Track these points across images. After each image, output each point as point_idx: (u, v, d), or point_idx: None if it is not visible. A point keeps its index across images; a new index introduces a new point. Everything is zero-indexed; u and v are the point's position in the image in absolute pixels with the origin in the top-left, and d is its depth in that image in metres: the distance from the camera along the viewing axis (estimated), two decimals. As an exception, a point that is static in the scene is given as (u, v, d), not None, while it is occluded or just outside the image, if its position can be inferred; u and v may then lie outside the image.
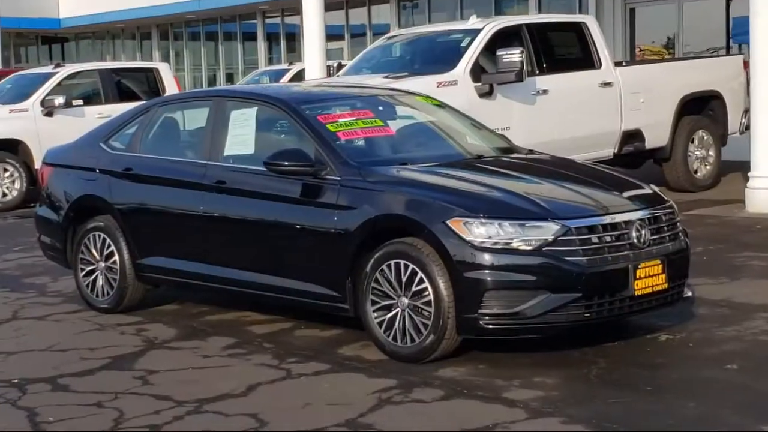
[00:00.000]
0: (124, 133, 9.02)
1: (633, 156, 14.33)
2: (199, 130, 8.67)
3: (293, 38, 35.89)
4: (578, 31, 13.89)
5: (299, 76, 24.71)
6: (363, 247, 7.12)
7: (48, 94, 17.36)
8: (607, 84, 13.73)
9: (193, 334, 8.14)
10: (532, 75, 12.82)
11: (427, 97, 8.99)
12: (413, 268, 6.81)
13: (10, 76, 19.29)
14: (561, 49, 14.01)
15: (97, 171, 8.90)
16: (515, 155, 8.17)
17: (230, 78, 39.21)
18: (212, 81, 40.11)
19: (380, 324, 7.04)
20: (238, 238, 7.90)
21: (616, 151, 13.85)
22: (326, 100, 8.36)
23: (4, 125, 16.91)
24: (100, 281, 8.93)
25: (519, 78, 12.19)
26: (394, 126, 8.14)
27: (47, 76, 18.02)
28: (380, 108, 8.26)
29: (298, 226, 7.46)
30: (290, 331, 8.08)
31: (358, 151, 7.66)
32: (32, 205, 16.79)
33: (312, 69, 18.51)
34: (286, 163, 7.42)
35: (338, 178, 7.28)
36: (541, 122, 12.95)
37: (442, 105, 8.77)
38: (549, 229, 6.57)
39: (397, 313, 6.96)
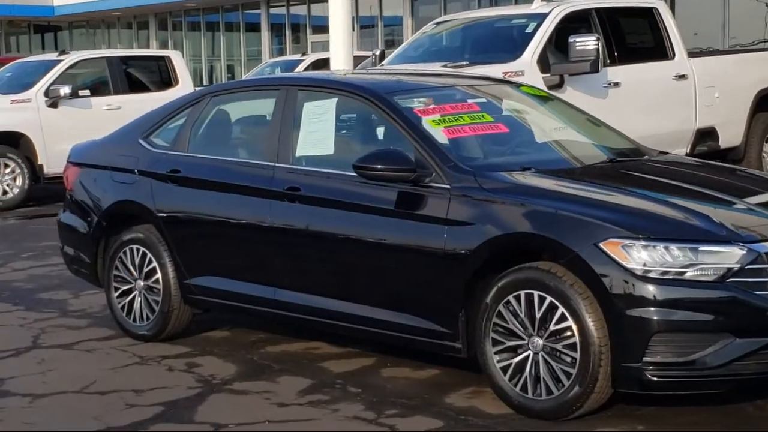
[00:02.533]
0: (169, 127, 7.60)
1: (704, 157, 12.88)
2: (263, 125, 7.25)
3: (298, 29, 34.45)
4: (649, 17, 12.57)
5: (312, 68, 23.32)
6: (482, 273, 5.74)
7: (52, 84, 15.93)
8: (681, 77, 12.40)
9: (256, 371, 6.73)
10: (603, 65, 11.42)
11: (533, 87, 7.56)
12: (551, 302, 5.42)
13: (10, 64, 17.83)
14: (632, 37, 12.67)
15: (137, 172, 7.46)
16: (651, 158, 6.74)
17: (231, 70, 37.74)
18: (211, 73, 38.69)
19: (504, 369, 5.64)
20: (315, 257, 6.49)
21: (688, 151, 12.50)
22: (420, 90, 6.93)
23: (5, 117, 15.47)
24: (138, 303, 7.51)
25: (594, 68, 10.84)
26: (503, 122, 6.69)
27: (51, 64, 16.56)
28: (483, 101, 6.83)
29: (394, 245, 6.08)
30: (374, 369, 6.68)
31: (470, 153, 6.25)
32: (31, 204, 15.47)
33: (337, 59, 16.99)
34: (380, 166, 6.02)
35: (447, 186, 5.88)
36: (612, 119, 11.47)
37: (550, 97, 7.35)
38: (733, 255, 5.17)
39: (527, 356, 5.58)
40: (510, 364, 5.67)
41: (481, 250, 5.71)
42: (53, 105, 15.78)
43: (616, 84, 11.72)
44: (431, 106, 6.49)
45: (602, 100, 11.54)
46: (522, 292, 5.56)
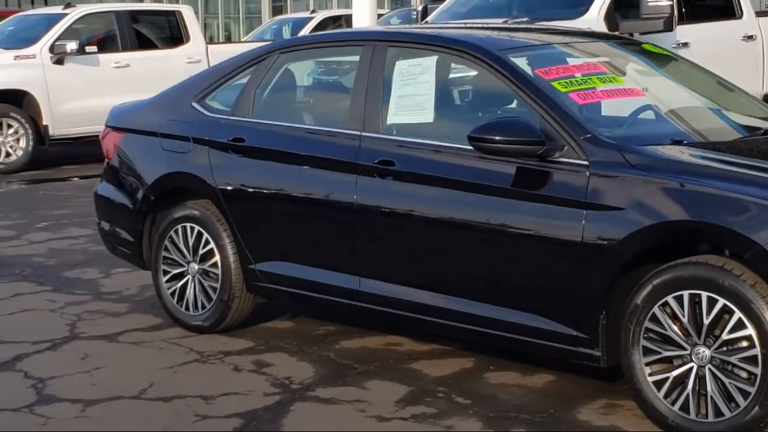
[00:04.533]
0: (227, 89, 6.61)
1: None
2: (344, 87, 6.28)
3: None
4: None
5: (322, 27, 22.29)
6: (630, 268, 4.75)
7: (58, 39, 14.78)
8: (750, 37, 11.42)
9: (338, 373, 5.80)
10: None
11: (656, 46, 6.58)
12: (724, 305, 4.49)
13: (11, 17, 16.69)
14: (699, -8, 11.69)
15: (191, 140, 6.47)
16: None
17: (227, 28, 36.56)
18: (205, 32, 37.46)
19: (658, 384, 4.73)
20: (411, 243, 5.55)
21: (751, 121, 11.46)
22: (533, 47, 5.92)
23: (8, 74, 14.42)
24: (191, 289, 6.53)
25: (668, 26, 9.93)
26: (635, 85, 5.72)
27: (56, 18, 15.48)
28: (606, 60, 5.85)
29: (515, 232, 5.11)
30: (476, 373, 5.76)
31: (610, 123, 5.26)
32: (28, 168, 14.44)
33: (361, 17, 15.86)
34: (501, 138, 5.04)
35: (584, 162, 4.93)
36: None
37: (675, 57, 6.36)
38: None
39: (689, 369, 4.66)
40: (666, 378, 4.75)
41: (632, 240, 4.77)
42: (59, 62, 14.74)
43: (685, 44, 10.77)
44: (554, 67, 5.49)
45: (671, 62, 10.53)
46: (685, 293, 4.63)
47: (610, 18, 10.24)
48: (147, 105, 7.04)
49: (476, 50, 5.59)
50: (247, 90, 6.47)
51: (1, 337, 6.64)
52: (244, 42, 21.22)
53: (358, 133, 5.81)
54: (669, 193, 4.73)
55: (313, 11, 23.81)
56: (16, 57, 14.61)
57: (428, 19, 11.65)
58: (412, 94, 5.71)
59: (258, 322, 6.75)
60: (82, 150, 15.53)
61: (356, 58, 6.10)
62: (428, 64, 5.72)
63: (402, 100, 5.74)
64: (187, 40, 15.99)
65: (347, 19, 22.39)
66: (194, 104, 6.65)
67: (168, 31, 16.57)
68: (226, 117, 6.48)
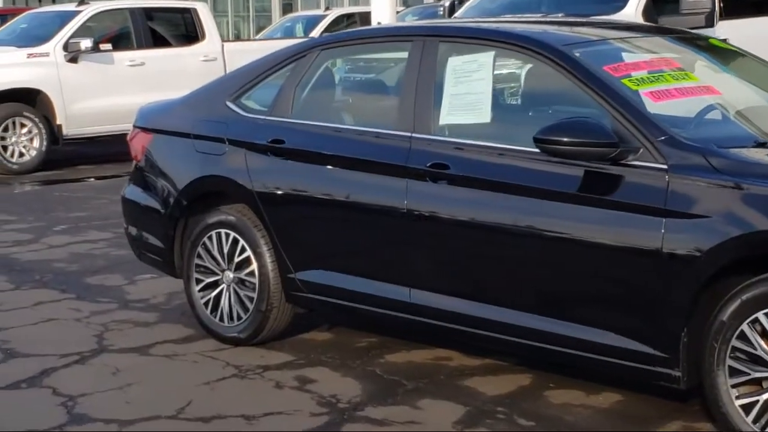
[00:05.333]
0: (264, 87, 6.18)
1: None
2: (392, 86, 5.90)
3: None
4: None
5: (336, 24, 21.92)
6: (716, 282, 4.37)
7: (72, 37, 14.38)
8: (787, 34, 10.93)
9: (387, 391, 5.44)
10: (717, 19, 10.12)
11: (722, 41, 6.20)
12: (821, 323, 4.05)
13: (24, 14, 16.29)
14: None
15: (226, 142, 6.09)
16: None
17: (237, 26, 36.19)
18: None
19: (746, 408, 4.40)
20: (468, 252, 5.19)
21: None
22: (597, 42, 5.55)
23: (21, 72, 14.04)
24: (226, 299, 6.14)
25: (709, 22, 9.49)
26: (709, 82, 5.34)
27: (69, 16, 15.09)
28: (675, 56, 5.46)
29: (583, 240, 4.74)
30: (536, 391, 5.40)
31: (678, 124, 4.87)
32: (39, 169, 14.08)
33: (381, 14, 15.51)
34: (570, 140, 4.66)
35: (663, 166, 4.55)
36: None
37: (743, 53, 5.96)
38: None
39: (780, 393, 4.21)
40: (755, 402, 4.39)
41: (719, 251, 4.40)
42: (73, 60, 14.35)
43: (723, 41, 10.31)
44: (623, 63, 5.11)
45: (709, 61, 10.13)
46: (784, 311, 4.22)
47: (648, 14, 9.86)
48: (178, 105, 6.67)
49: (539, 45, 5.21)
50: (286, 89, 6.10)
51: (25, 350, 6.26)
52: (258, 40, 20.83)
53: (408, 134, 5.44)
54: (760, 200, 4.34)
55: (327, 8, 23.34)
56: (30, 55, 14.25)
57: (456, 15, 11.25)
58: (467, 92, 5.34)
59: (295, 334, 6.39)
60: (95, 150, 15.20)
61: (404, 54, 5.72)
62: (484, 60, 5.34)
63: (456, 99, 5.36)
64: (203, 37, 15.63)
65: (361, 17, 22.04)
66: (229, 104, 6.28)
67: (183, 29, 16.21)
68: (263, 117, 6.11)
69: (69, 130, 14.23)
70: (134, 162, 6.81)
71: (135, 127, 6.82)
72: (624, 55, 5.35)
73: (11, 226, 10.10)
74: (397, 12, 15.09)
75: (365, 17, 21.77)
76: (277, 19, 31.95)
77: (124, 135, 14.89)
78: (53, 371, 5.90)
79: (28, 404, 5.45)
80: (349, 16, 22.77)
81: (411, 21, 11.14)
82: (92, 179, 13.34)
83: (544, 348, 5.04)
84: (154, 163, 6.61)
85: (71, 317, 6.95)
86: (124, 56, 14.84)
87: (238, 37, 36.21)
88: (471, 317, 5.24)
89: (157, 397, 5.46)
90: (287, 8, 33.49)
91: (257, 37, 25.52)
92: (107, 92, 14.47)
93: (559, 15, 9.76)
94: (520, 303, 5.07)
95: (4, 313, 7.06)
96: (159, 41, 15.65)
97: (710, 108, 5.13)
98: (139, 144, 6.69)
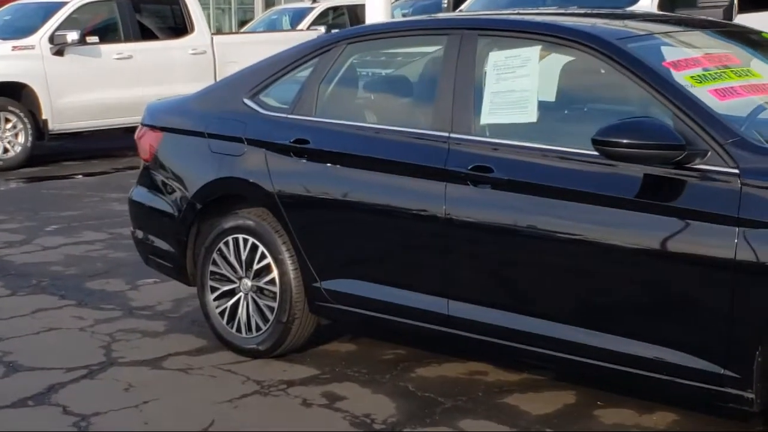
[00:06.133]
0: (285, 83, 5.82)
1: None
2: (426, 82, 5.52)
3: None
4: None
5: (323, 17, 21.52)
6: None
7: (58, 29, 13.94)
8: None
9: (424, 409, 5.09)
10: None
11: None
12: None
13: (7, 6, 15.81)
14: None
15: (245, 141, 5.69)
16: None
17: (218, 19, 35.66)
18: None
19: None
20: (514, 261, 4.84)
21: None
22: (653, 37, 5.18)
23: (6, 66, 13.63)
24: (243, 308, 5.75)
25: (728, 16, 9.16)
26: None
27: (55, 7, 14.65)
28: (731, 52, 5.12)
29: (644, 250, 4.34)
30: (583, 410, 5.09)
31: (759, 124, 4.50)
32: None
33: (375, 8, 15.04)
34: (628, 141, 4.30)
35: (735, 171, 4.20)
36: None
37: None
38: None
39: None
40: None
41: (800, 266, 4.01)
42: (59, 53, 13.93)
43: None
44: (683, 58, 4.75)
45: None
46: None
47: (664, 7, 9.51)
48: (190, 102, 6.27)
49: (591, 39, 4.85)
50: (309, 85, 5.72)
51: (29, 363, 5.87)
52: (249, 33, 20.40)
53: (446, 134, 5.07)
54: None
55: (315, 1, 22.89)
56: (14, 48, 13.82)
57: (462, 8, 10.88)
58: (510, 90, 4.97)
59: (316, 345, 6.01)
60: (80, 145, 14.76)
61: (439, 49, 5.35)
62: (529, 55, 4.97)
63: (498, 97, 5.00)
64: (192, 30, 15.24)
65: (350, 10, 21.63)
66: (246, 101, 5.89)
67: (171, 21, 15.82)
68: (285, 116, 5.73)
69: (55, 125, 13.83)
70: (143, 162, 6.38)
71: (143, 125, 6.41)
72: (678, 50, 4.98)
73: (1, 226, 9.69)
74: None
75: (354, 10, 21.39)
76: (260, 12, 31.52)
77: (112, 130, 14.66)
78: (61, 387, 5.52)
79: (37, 424, 5.07)
80: (336, 9, 22.34)
81: (445, 13, 10.69)
82: (80, 176, 12.91)
83: (597, 365, 4.69)
84: (165, 163, 6.23)
85: (74, 326, 6.56)
86: (111, 49, 14.45)
87: (219, 31, 35.74)
88: (515, 331, 4.89)
89: (176, 417, 5.08)
90: (270, 2, 33.00)
91: (243, 30, 25.03)
92: (94, 86, 14.09)
93: (573, 7, 9.37)
94: (570, 317, 4.72)
95: (2, 322, 6.68)
96: (147, 34, 15.23)
97: (753, 107, 4.75)
98: (147, 143, 6.30)
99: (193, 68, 14.84)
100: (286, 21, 22.51)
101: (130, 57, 14.43)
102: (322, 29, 17.23)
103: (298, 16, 22.27)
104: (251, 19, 28.81)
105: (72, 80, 13.91)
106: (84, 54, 14.11)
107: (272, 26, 22.43)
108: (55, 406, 5.26)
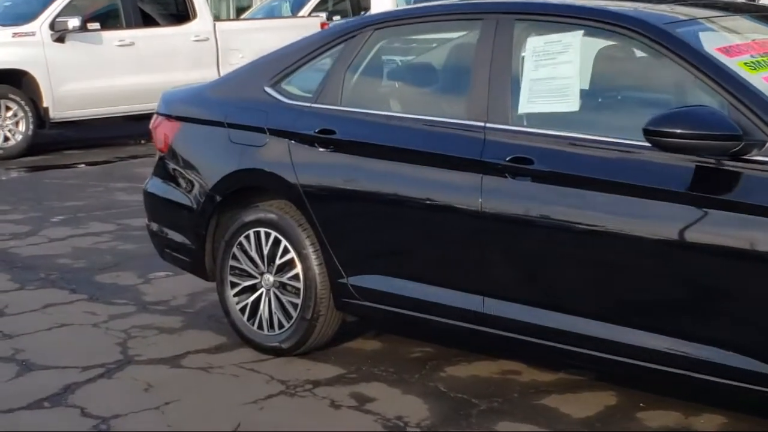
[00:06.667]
0: (308, 71, 5.55)
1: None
2: (459, 70, 5.29)
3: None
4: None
5: (324, 3, 21.24)
6: None
7: (58, 15, 13.66)
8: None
9: (458, 411, 4.91)
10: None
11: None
12: None
13: (8, -8, 15.50)
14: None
15: (267, 132, 5.44)
16: None
17: (216, 6, 35.25)
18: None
19: None
20: (556, 257, 4.58)
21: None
22: (698, 22, 4.94)
23: (6, 53, 13.36)
24: (265, 305, 5.53)
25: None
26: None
27: (55, -7, 14.29)
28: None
29: (699, 245, 4.15)
30: (626, 412, 4.89)
31: None
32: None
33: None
34: (682, 131, 4.10)
35: None
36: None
37: None
38: None
39: None
40: None
41: None
42: (60, 39, 13.65)
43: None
44: (735, 44, 4.52)
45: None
46: None
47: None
48: (208, 90, 6.05)
49: (638, 24, 4.63)
50: (335, 73, 5.49)
51: (42, 361, 5.65)
52: (252, 19, 20.13)
53: (482, 124, 4.84)
54: None
55: (316, -14, 22.53)
56: (15, 34, 13.56)
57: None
58: (551, 77, 4.74)
59: (339, 342, 5.78)
60: (81, 133, 14.51)
61: (473, 34, 5.12)
62: (571, 40, 4.74)
63: (537, 85, 4.77)
64: (194, 16, 14.99)
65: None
66: (268, 90, 5.67)
67: (173, 7, 15.57)
68: (309, 105, 5.50)
69: (56, 112, 13.58)
70: (159, 153, 6.15)
71: (159, 114, 6.18)
72: (725, 36, 4.75)
73: (4, 217, 9.45)
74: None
75: (354, -5, 21.11)
76: (258, -2, 31.16)
77: (113, 118, 14.41)
78: (77, 387, 5.29)
79: (55, 427, 4.82)
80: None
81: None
82: (83, 165, 12.68)
83: (646, 367, 4.49)
84: (182, 154, 6.00)
85: (87, 322, 6.32)
86: (112, 36, 14.19)
87: (218, 18, 35.41)
88: (556, 331, 4.68)
89: (200, 419, 4.87)
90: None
91: (243, 16, 24.74)
92: (96, 73, 13.84)
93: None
94: (616, 316, 4.51)
95: (12, 318, 6.43)
96: (148, 20, 14.99)
97: None
98: (165, 133, 6.07)
99: (196, 55, 14.61)
100: (286, 8, 22.19)
101: (131, 44, 14.19)
102: (323, 16, 16.99)
103: (298, 3, 21.93)
104: (249, 6, 28.49)
105: (73, 67, 13.67)
106: (85, 41, 13.87)
107: (272, 13, 22.12)
108: (72, 407, 5.04)
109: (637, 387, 5.00)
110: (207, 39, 14.76)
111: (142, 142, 14.23)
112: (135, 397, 5.15)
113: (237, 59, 14.84)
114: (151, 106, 14.33)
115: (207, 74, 14.28)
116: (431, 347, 5.73)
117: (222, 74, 14.56)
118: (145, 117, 14.47)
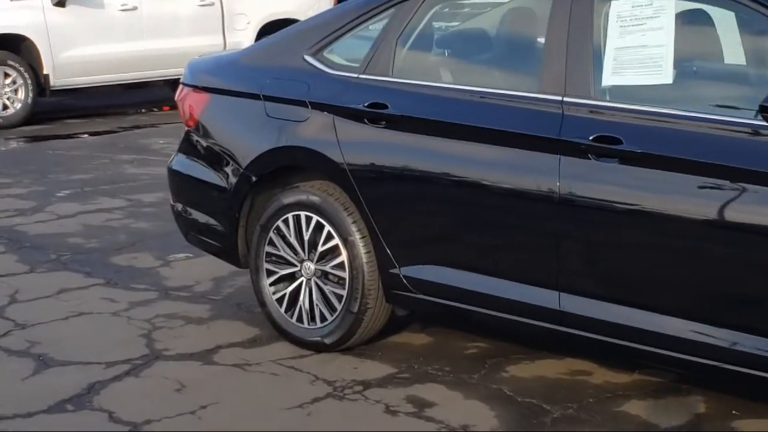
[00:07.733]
0: (354, 38, 5.00)
1: None
2: (529, 38, 4.72)
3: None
4: None
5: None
6: None
7: (59, -21, 13.09)
8: None
9: (529, 419, 4.45)
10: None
11: None
12: None
13: (5, -47, 14.84)
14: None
15: (308, 105, 4.90)
16: None
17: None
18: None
19: None
20: (650, 249, 4.05)
21: None
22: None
23: (5, 17, 12.86)
24: (306, 296, 5.00)
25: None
26: None
27: (56, -45, 13.71)
28: None
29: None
30: (720, 421, 4.44)
31: None
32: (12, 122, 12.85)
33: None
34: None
35: None
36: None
37: None
38: None
39: None
40: None
41: None
42: (60, 4, 13.10)
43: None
44: None
45: None
46: None
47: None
48: (241, 59, 5.50)
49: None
50: (385, 41, 4.95)
51: (61, 356, 5.14)
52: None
53: (559, 98, 4.31)
54: None
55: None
56: (14, -2, 12.94)
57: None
58: (639, 45, 4.21)
59: (385, 336, 5.25)
60: (81, 101, 13.94)
61: (546, -1, 4.55)
62: (663, 3, 4.18)
63: (623, 54, 4.24)
64: (201, -18, 14.36)
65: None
66: (308, 58, 5.12)
67: (181, -30, 14.91)
68: (356, 75, 4.95)
69: (57, 80, 13.05)
70: (186, 128, 5.60)
71: (184, 85, 5.63)
72: None
73: (7, 191, 8.91)
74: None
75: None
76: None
77: (116, 86, 13.84)
78: (102, 386, 4.78)
79: (80, 435, 4.29)
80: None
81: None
82: (86, 135, 12.15)
83: (739, 371, 3.94)
84: (212, 129, 5.47)
85: (107, 310, 5.81)
86: (115, 0, 13.54)
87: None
88: (644, 332, 4.16)
89: (241, 425, 4.33)
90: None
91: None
92: (98, 39, 13.29)
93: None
94: (716, 316, 3.98)
95: (24, 305, 5.90)
96: (152, -17, 14.39)
97: None
98: (192, 105, 5.54)
99: (201, 20, 14.07)
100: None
101: (134, 8, 13.64)
102: (335, -19, 16.37)
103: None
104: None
105: (74, 33, 13.12)
106: (87, 5, 13.32)
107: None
108: (98, 411, 4.53)
109: (726, 391, 4.47)
110: (212, 4, 14.23)
111: (143, 111, 13.71)
112: (167, 398, 4.64)
113: (243, 24, 14.31)
114: (155, 73, 13.85)
115: (212, 40, 13.77)
116: (485, 342, 5.24)
117: (228, 40, 14.08)
118: (147, 84, 13.98)
